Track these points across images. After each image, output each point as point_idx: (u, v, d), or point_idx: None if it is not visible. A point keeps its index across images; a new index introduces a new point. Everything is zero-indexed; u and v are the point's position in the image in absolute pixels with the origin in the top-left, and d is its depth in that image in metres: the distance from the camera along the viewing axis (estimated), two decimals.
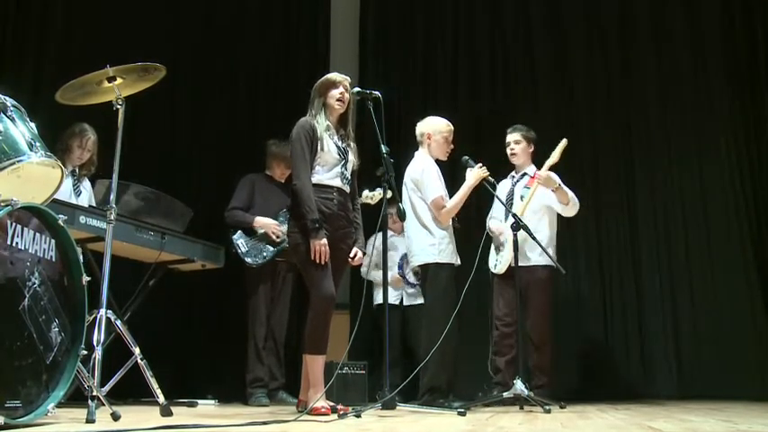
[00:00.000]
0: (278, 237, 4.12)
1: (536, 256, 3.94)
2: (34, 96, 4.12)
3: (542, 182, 3.90)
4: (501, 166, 4.25)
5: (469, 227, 4.39)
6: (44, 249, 2.14)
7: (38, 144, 2.23)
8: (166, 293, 4.38)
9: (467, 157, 3.80)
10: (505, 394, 3.37)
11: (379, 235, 3.19)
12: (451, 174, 4.20)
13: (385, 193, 3.16)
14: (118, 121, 2.69)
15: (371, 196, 3.80)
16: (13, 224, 2.01)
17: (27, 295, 2.02)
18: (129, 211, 3.78)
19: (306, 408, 2.91)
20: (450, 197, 3.84)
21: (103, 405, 2.32)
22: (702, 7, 5.43)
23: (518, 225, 3.51)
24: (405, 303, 4.69)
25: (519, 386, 3.29)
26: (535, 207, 4.02)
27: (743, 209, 5.03)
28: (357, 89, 3.20)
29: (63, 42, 4.61)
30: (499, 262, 4.05)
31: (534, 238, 3.57)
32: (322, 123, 3.11)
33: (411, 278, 4.63)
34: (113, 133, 2.69)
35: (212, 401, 4.29)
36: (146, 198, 3.92)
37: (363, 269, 4.40)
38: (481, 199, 4.30)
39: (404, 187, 3.92)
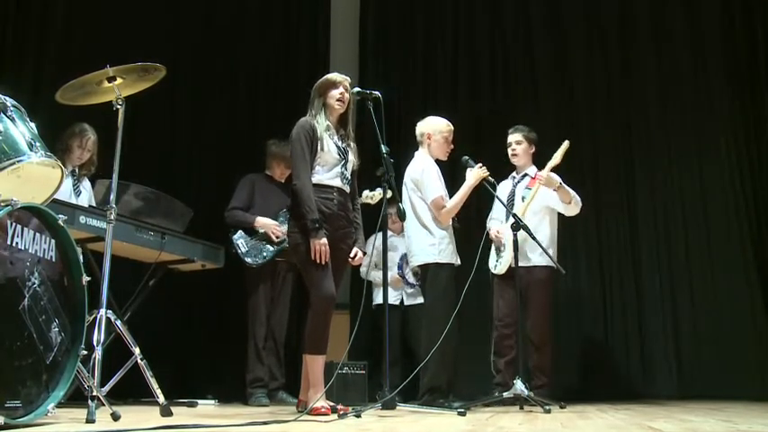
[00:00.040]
0: (278, 237, 4.12)
1: (536, 257, 3.94)
2: (34, 96, 4.12)
3: (544, 182, 3.90)
4: (501, 167, 4.25)
5: (469, 227, 4.39)
6: (44, 249, 2.14)
7: (38, 144, 2.23)
8: (166, 293, 4.37)
9: (467, 157, 3.80)
10: (505, 394, 3.37)
11: (379, 235, 3.19)
12: (451, 174, 4.20)
13: (385, 193, 3.16)
14: (118, 121, 2.69)
15: (371, 196, 3.80)
16: (13, 224, 2.01)
17: (27, 295, 2.02)
18: (129, 211, 3.78)
19: (306, 408, 2.90)
20: (451, 197, 3.84)
21: (103, 405, 2.32)
22: (702, 7, 5.43)
23: (518, 225, 3.51)
24: (405, 303, 4.69)
25: (519, 386, 3.29)
26: (536, 208, 4.02)
27: (743, 209, 5.03)
28: (357, 89, 3.20)
29: (63, 42, 4.61)
30: (499, 263, 4.05)
31: (534, 239, 3.57)
32: (322, 123, 3.11)
33: (410, 278, 4.63)
34: (113, 133, 2.69)
35: (212, 401, 4.29)
36: (146, 198, 3.92)
37: (363, 269, 4.40)
38: (481, 199, 4.29)
39: (404, 187, 3.92)
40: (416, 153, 3.99)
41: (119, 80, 2.67)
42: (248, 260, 4.13)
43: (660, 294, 5.10)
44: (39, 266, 2.09)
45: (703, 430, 2.00)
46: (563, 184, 3.94)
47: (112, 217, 2.65)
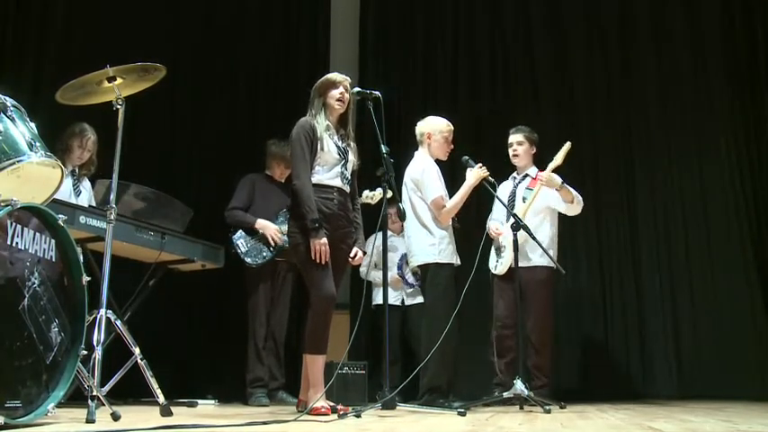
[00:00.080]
0: (276, 244, 4.11)
1: (537, 257, 3.94)
2: (34, 96, 4.12)
3: (545, 182, 3.90)
4: (501, 167, 4.25)
5: (469, 227, 4.38)
6: (44, 249, 2.14)
7: (38, 144, 2.23)
8: (166, 293, 4.37)
9: (467, 157, 3.80)
10: (505, 394, 3.37)
11: (379, 235, 3.19)
12: (451, 174, 4.20)
13: (385, 193, 3.16)
14: (118, 121, 2.69)
15: (371, 196, 3.80)
16: (13, 224, 2.01)
17: (27, 295, 2.02)
18: (130, 212, 3.78)
19: (306, 408, 2.90)
20: (451, 197, 3.84)
21: (103, 405, 2.32)
22: (702, 7, 5.43)
23: (518, 225, 3.51)
24: (405, 303, 4.69)
25: (519, 386, 3.29)
26: (537, 208, 4.02)
27: (743, 209, 5.03)
28: (357, 89, 3.20)
29: (63, 42, 4.61)
30: (500, 263, 4.05)
31: (535, 239, 3.57)
32: (322, 123, 3.11)
33: (410, 278, 4.63)
34: (113, 133, 2.69)
35: (212, 401, 4.29)
36: (146, 198, 3.92)
37: (363, 269, 4.40)
38: (481, 199, 4.29)
39: (404, 187, 3.92)
40: (416, 153, 3.99)
41: (119, 80, 2.67)
42: (248, 260, 4.13)
43: (660, 294, 5.10)
44: (39, 266, 2.09)
45: (703, 430, 2.00)
46: (565, 183, 3.94)
47: (112, 217, 2.65)
